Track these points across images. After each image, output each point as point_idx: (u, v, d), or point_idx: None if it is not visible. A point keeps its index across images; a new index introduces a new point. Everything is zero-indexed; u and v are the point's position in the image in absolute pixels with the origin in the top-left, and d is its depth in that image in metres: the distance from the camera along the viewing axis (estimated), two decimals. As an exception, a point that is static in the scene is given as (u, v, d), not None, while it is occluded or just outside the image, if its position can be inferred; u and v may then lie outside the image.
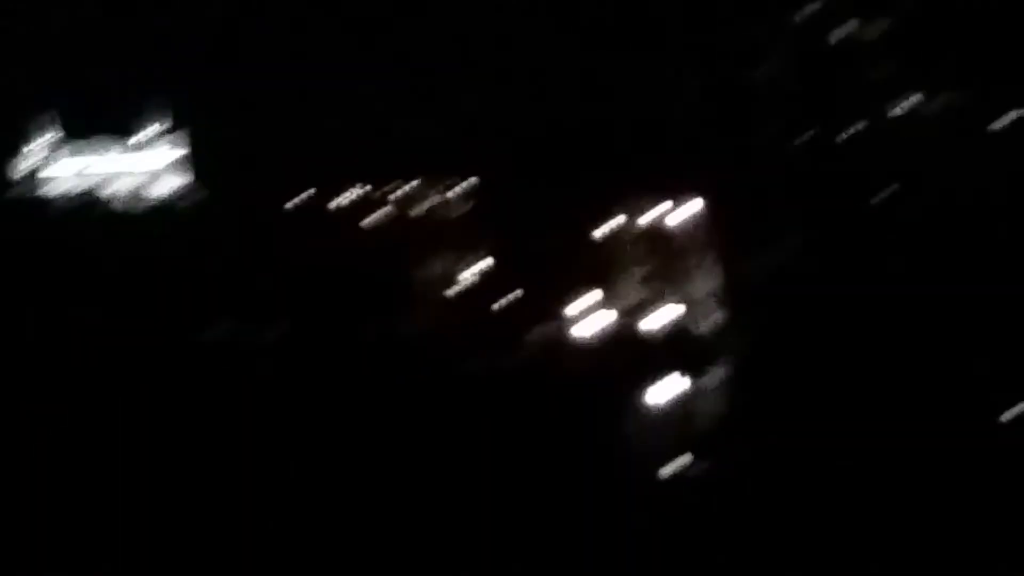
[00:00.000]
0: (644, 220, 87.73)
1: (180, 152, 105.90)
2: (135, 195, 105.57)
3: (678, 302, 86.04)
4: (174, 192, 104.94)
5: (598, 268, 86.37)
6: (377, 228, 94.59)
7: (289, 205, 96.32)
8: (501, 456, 70.93)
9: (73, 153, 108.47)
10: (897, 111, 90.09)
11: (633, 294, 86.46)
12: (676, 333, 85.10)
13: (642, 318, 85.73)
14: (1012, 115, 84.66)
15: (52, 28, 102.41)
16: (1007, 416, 69.12)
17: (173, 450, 72.12)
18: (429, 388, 76.41)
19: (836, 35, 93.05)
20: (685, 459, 74.79)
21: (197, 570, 61.98)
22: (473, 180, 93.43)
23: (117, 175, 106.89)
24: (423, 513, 65.06)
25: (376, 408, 74.09)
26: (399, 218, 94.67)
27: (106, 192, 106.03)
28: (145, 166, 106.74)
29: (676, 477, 74.46)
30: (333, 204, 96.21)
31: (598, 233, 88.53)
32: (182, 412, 75.56)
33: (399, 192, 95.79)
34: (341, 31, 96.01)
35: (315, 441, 71.87)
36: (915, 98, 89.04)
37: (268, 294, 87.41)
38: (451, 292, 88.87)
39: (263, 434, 73.07)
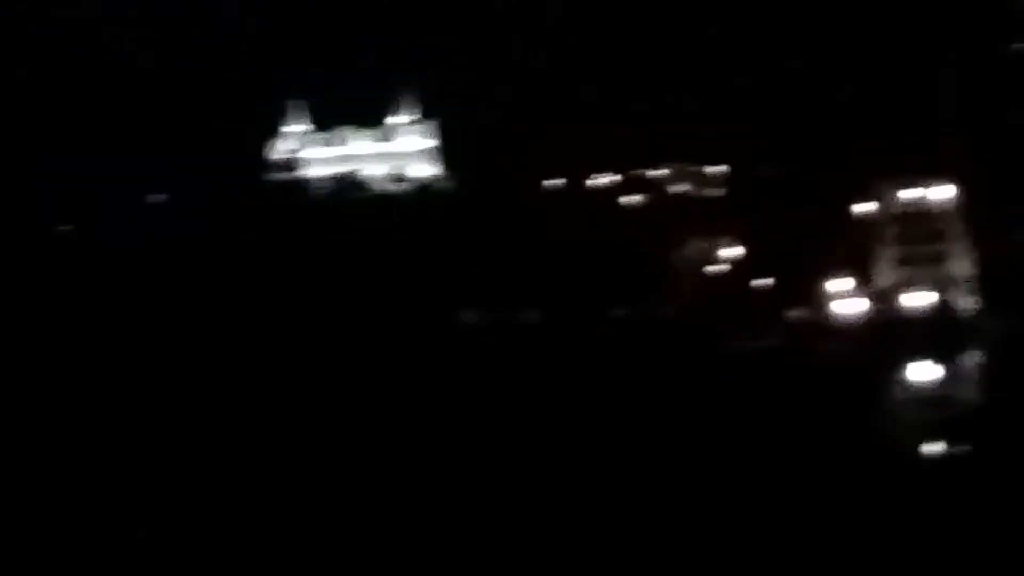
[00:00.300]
0: (899, 202, 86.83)
1: (431, 139, 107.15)
2: (388, 181, 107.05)
3: (934, 285, 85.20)
4: (427, 178, 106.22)
5: (853, 250, 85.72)
6: (631, 213, 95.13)
7: (543, 190, 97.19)
8: (755, 433, 70.83)
9: (326, 142, 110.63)
10: None
11: (889, 276, 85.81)
12: (933, 316, 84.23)
13: (898, 301, 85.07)
14: None
15: (305, 22, 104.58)
16: None
17: (432, 430, 73.25)
18: (687, 368, 76.75)
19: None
20: (940, 443, 73.88)
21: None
22: (725, 166, 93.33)
23: (369, 162, 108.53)
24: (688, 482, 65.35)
25: (633, 387, 74.49)
26: (654, 202, 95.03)
27: (359, 179, 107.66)
28: (397, 153, 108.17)
29: (932, 461, 73.59)
30: (587, 189, 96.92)
31: (852, 215, 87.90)
32: (442, 394, 76.65)
33: (653, 177, 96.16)
34: (591, 21, 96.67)
35: (572, 417, 72.37)
36: None
37: (523, 277, 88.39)
38: (707, 275, 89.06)
39: (523, 413, 73.75)
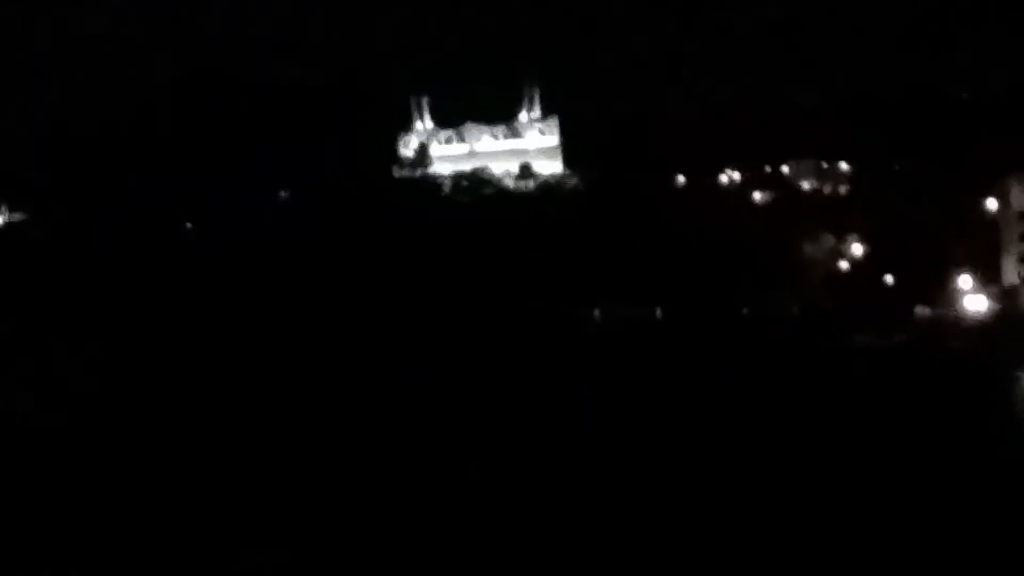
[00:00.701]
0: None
1: (558, 136, 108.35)
2: (515, 178, 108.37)
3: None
4: (554, 175, 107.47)
5: (979, 247, 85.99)
6: (759, 208, 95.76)
7: (667, 187, 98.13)
8: (884, 427, 70.98)
9: (450, 139, 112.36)
10: None
11: (1015, 273, 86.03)
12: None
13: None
14: None
15: (434, 21, 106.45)
16: None
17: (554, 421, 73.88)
18: (814, 363, 77.17)
19: None
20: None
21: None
22: (853, 163, 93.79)
23: (497, 159, 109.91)
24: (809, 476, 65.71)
25: (757, 379, 74.85)
26: (782, 198, 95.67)
27: (486, 175, 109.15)
28: (525, 150, 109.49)
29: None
30: (714, 185, 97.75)
31: (978, 212, 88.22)
32: (578, 385, 77.03)
33: (781, 173, 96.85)
34: (718, 19, 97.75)
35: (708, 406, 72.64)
36: None
37: (646, 271, 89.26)
38: (834, 270, 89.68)
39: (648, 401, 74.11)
